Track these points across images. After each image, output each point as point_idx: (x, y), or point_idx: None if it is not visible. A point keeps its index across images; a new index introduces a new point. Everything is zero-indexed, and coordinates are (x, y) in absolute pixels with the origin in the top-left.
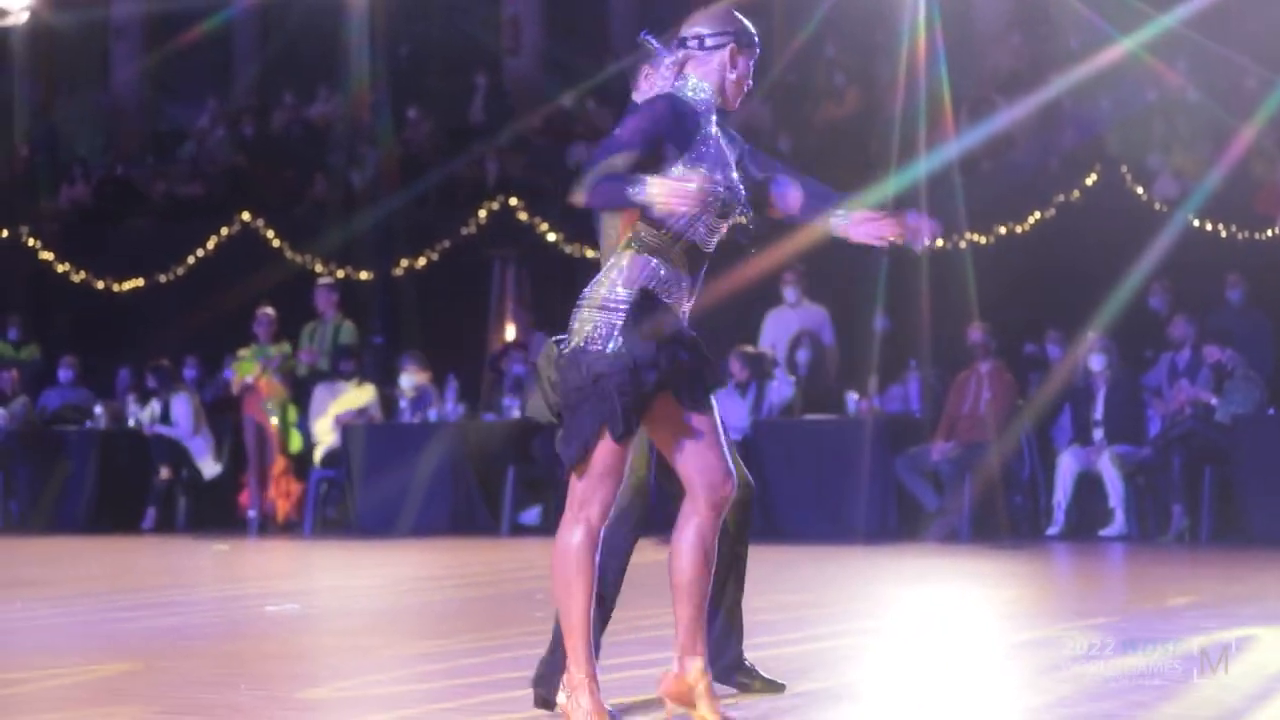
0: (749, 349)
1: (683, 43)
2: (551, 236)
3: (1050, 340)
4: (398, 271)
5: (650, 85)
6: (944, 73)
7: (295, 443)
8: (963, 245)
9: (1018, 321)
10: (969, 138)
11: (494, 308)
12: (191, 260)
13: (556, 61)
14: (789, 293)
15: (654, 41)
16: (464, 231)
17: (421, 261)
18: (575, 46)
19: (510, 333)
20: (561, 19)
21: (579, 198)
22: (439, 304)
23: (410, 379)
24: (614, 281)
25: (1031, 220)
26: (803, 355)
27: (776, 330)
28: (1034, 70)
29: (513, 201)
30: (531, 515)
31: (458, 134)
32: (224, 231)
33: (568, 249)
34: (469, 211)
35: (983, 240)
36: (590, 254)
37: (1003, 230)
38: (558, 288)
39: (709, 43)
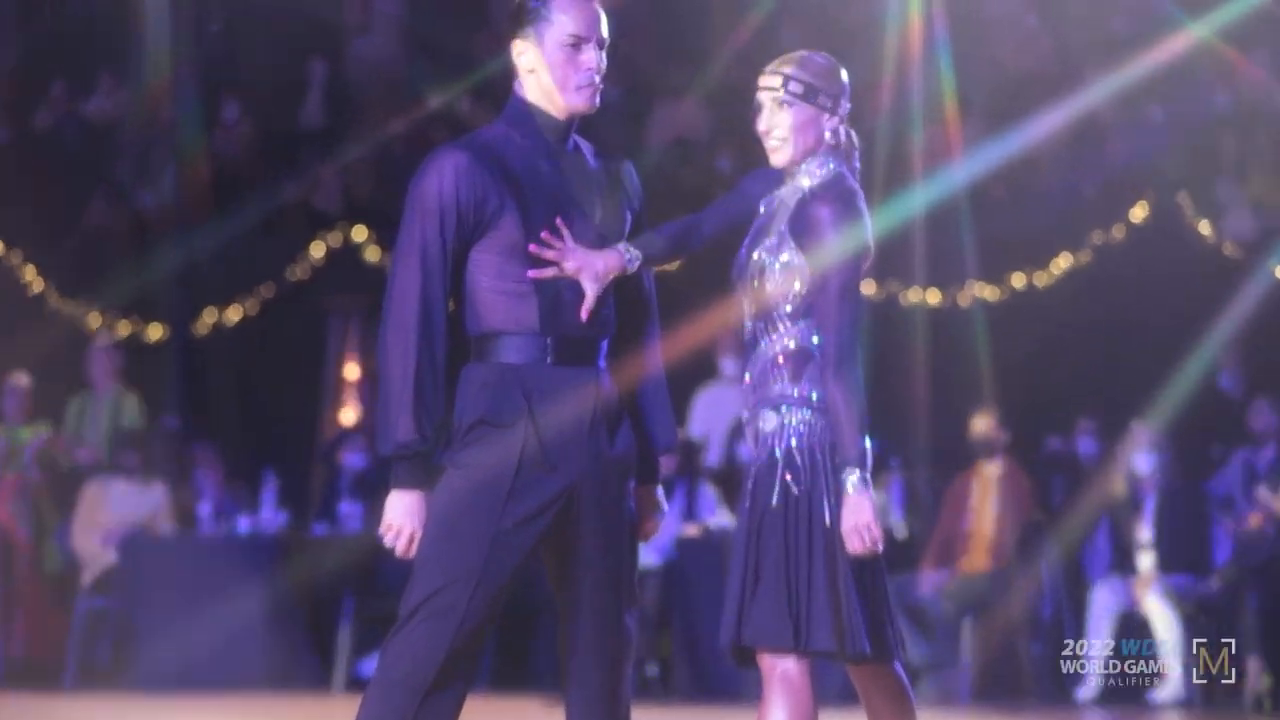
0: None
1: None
2: None
3: (1082, 432)
4: (201, 329)
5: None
6: (946, 69)
7: (53, 560)
8: (967, 302)
9: (1038, 407)
10: (979, 158)
11: (330, 379)
12: None
13: (421, 44)
14: (727, 364)
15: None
16: (292, 274)
17: (234, 315)
18: (446, 24)
19: (351, 414)
20: None
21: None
22: (256, 374)
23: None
24: None
25: (1059, 268)
26: (745, 449)
27: (710, 414)
28: (1064, 67)
29: (359, 235)
30: (374, 664)
31: (286, 141)
32: None
33: None
34: (299, 247)
35: (994, 295)
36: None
37: (1020, 282)
38: None
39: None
